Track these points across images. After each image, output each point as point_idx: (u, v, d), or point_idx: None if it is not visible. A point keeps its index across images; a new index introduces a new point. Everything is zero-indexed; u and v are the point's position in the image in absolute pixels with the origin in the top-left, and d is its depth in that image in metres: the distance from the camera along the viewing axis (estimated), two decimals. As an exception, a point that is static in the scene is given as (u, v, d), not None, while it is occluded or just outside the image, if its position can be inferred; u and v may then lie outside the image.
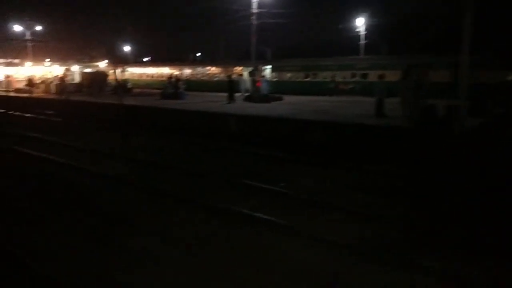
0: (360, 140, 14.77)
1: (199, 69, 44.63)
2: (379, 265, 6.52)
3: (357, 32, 47.97)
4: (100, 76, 40.24)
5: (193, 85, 39.58)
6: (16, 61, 53.77)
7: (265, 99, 25.77)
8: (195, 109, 22.31)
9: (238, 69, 40.69)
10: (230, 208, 8.83)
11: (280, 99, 26.82)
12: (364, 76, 32.55)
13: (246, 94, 34.37)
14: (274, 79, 37.04)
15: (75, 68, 46.06)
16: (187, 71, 45.42)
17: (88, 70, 43.24)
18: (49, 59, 51.33)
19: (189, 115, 21.46)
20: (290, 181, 11.22)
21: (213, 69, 43.23)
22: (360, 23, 47.48)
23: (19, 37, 51.58)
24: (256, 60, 41.86)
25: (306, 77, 35.71)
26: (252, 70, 28.80)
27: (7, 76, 48.33)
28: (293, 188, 10.45)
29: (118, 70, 48.65)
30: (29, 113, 26.99)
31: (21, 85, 43.86)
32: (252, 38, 28.09)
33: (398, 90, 21.17)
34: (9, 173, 12.51)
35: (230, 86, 28.45)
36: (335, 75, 33.90)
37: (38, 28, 52.61)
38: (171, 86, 30.32)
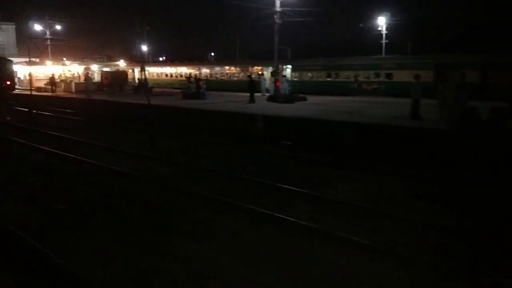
0: (399, 143, 14.29)
1: (218, 69, 44.38)
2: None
3: (378, 31, 47.25)
4: (121, 75, 40.21)
5: (211, 84, 39.33)
6: (36, 60, 54.08)
7: (289, 99, 25.36)
8: (220, 109, 22.00)
9: (258, 68, 40.44)
10: (278, 215, 8.45)
11: (304, 99, 26.39)
12: (389, 76, 31.91)
13: (267, 94, 34.09)
14: (295, 79, 36.62)
15: (94, 67, 46.13)
16: (205, 71, 45.25)
17: (107, 69, 43.24)
18: (65, 58, 51.54)
19: (215, 116, 21.16)
20: (334, 186, 10.81)
21: (232, 69, 42.93)
22: (382, 22, 46.77)
23: (39, 36, 51.75)
24: (277, 60, 41.64)
25: (328, 77, 35.16)
26: (275, 70, 28.35)
27: (28, 75, 48.67)
28: (339, 193, 10.05)
29: (137, 70, 48.80)
30: (52, 112, 26.97)
31: (41, 84, 44.12)
32: (274, 37, 27.57)
33: (431, 91, 20.88)
34: (55, 175, 12.29)
35: (251, 86, 28.14)
36: (358, 74, 33.33)
37: (58, 27, 52.78)
38: (192, 86, 30.04)
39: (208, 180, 11.47)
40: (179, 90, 36.11)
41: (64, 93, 38.72)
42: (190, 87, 29.90)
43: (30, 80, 33.91)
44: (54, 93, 36.63)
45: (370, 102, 26.42)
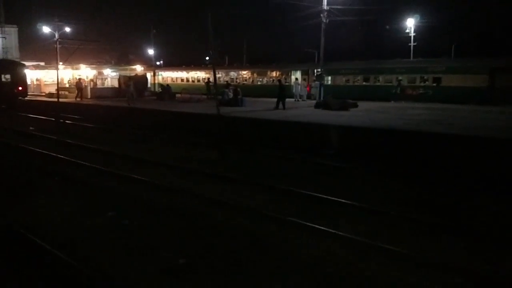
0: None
1: (243, 73, 42.01)
2: None
3: (406, 33, 45.12)
4: (141, 80, 37.65)
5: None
6: (42, 63, 51.44)
7: (344, 105, 22.97)
8: (273, 118, 19.52)
9: (277, 73, 38.18)
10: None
11: (355, 105, 24.02)
12: (437, 80, 29.70)
13: (300, 100, 31.77)
14: (326, 83, 34.32)
15: (107, 72, 43.55)
16: (221, 75, 42.90)
17: (119, 73, 40.69)
18: (63, 62, 48.69)
19: (268, 125, 18.69)
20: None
21: (255, 73, 40.59)
22: (410, 23, 44.63)
23: (48, 39, 49.16)
24: (303, 63, 39.34)
25: (366, 81, 32.88)
26: (320, 74, 26.00)
27: (36, 80, 46.01)
28: None
29: (149, 74, 46.24)
30: (82, 122, 24.33)
31: (52, 89, 41.45)
32: (321, 37, 25.34)
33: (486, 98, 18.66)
34: (142, 209, 9.77)
35: (281, 91, 25.87)
36: (401, 78, 31.09)
37: (67, 29, 50.13)
38: (227, 92, 27.60)
39: (299, 205, 9.08)
40: (204, 96, 33.77)
41: (79, 99, 36.10)
42: (226, 93, 27.43)
43: (58, 85, 31.13)
44: (79, 100, 33.79)
45: (428, 108, 24.09)
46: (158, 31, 69.73)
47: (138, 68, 41.59)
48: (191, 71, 47.10)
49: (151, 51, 75.47)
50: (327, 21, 24.85)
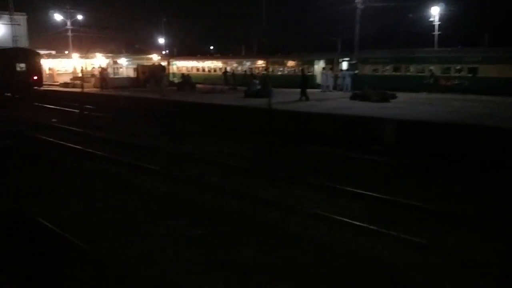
0: None
1: (259, 63, 40.61)
2: None
3: (430, 21, 43.50)
4: (159, 69, 36.33)
5: (243, 79, 35.82)
6: (53, 52, 50.21)
7: (384, 97, 21.65)
8: (311, 111, 18.23)
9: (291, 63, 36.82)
10: None
11: (394, 96, 22.66)
12: (473, 70, 28.24)
13: (327, 91, 30.42)
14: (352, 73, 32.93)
15: (123, 61, 42.25)
16: (234, 65, 41.60)
17: (136, 63, 39.40)
18: (75, 51, 47.23)
19: (310, 118, 17.39)
20: None
21: (277, 62, 39.17)
22: (435, 12, 43.00)
23: (59, 27, 47.91)
24: (327, 52, 37.88)
25: (396, 71, 31.41)
26: (355, 63, 24.60)
27: (49, 69, 44.75)
28: None
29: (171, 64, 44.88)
30: (106, 113, 23.07)
31: (66, 79, 40.25)
32: (355, 24, 23.94)
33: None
34: (208, 216, 8.59)
35: (304, 81, 24.59)
36: (434, 68, 29.63)
37: (79, 17, 48.80)
38: (255, 84, 26.27)
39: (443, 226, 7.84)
40: (225, 87, 32.50)
41: (95, 89, 34.90)
42: (254, 84, 26.11)
43: (84, 74, 29.87)
44: (102, 90, 32.48)
45: (470, 100, 22.67)
46: (169, 20, 68.40)
47: (155, 58, 40.29)
48: (208, 60, 45.69)
49: (161, 40, 74.42)
50: (363, 6, 23.43)
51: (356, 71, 29.28)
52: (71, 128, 18.59)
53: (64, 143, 14.92)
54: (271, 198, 9.00)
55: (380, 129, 15.04)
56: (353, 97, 23.03)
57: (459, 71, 28.95)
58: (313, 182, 10.25)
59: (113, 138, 16.22)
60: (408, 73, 31.03)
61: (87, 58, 39.55)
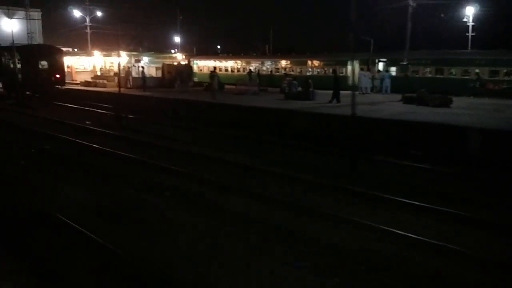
0: None
1: (282, 63, 39.09)
2: None
3: (463, 22, 41.84)
4: (185, 69, 34.92)
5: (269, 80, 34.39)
6: (69, 49, 48.78)
7: (444, 101, 20.05)
8: (373, 116, 16.61)
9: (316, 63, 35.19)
10: None
11: (451, 101, 20.96)
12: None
13: (367, 92, 28.88)
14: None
15: (145, 60, 40.88)
16: (259, 65, 40.06)
17: (162, 62, 37.96)
18: (89, 48, 45.61)
19: (375, 125, 15.78)
20: None
21: (307, 63, 37.60)
22: (469, 12, 41.33)
23: (78, 23, 46.53)
24: (361, 52, 36.23)
25: (439, 73, 29.77)
26: (406, 64, 23.01)
27: (67, 67, 43.34)
28: None
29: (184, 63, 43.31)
30: (144, 116, 21.53)
31: (86, 77, 38.84)
32: (407, 23, 22.35)
33: None
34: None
35: (337, 83, 23.03)
36: (480, 72, 28.01)
37: (99, 13, 47.38)
38: (295, 85, 24.74)
39: None
40: (256, 88, 30.84)
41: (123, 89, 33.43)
42: (294, 85, 24.59)
43: (105, 73, 28.46)
44: (145, 91, 30.70)
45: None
46: (184, 17, 66.96)
47: (179, 57, 38.85)
48: (231, 60, 44.15)
49: (177, 39, 72.93)
50: (415, 4, 21.86)
51: (408, 74, 27.56)
52: (110, 132, 17.13)
53: (111, 150, 13.45)
54: (381, 225, 7.53)
55: (464, 139, 13.47)
56: (407, 101, 21.45)
57: (508, 74, 27.33)
58: (414, 202, 8.75)
59: (162, 144, 14.75)
60: (451, 76, 29.43)
61: (110, 56, 38.08)
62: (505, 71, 27.45)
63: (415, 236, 7.09)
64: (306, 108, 18.91)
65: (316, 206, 8.62)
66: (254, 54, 45.80)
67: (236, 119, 19.37)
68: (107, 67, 41.62)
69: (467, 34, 41.58)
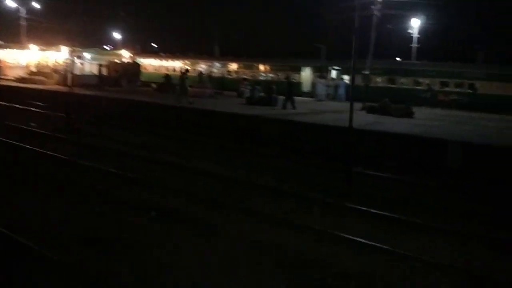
0: None
1: (233, 66, 38.21)
2: None
3: (409, 33, 43.12)
4: (133, 68, 32.96)
5: (220, 83, 33.46)
6: (0, 42, 44.71)
7: (407, 112, 20.15)
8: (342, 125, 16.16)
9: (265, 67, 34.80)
10: None
11: (411, 112, 21.13)
12: (473, 87, 27.71)
13: (320, 100, 28.76)
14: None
15: (87, 56, 38.18)
16: (209, 66, 39.03)
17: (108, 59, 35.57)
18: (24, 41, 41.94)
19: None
20: None
21: (259, 67, 36.93)
22: (415, 24, 42.65)
23: (11, 14, 42.68)
24: (315, 59, 36.20)
25: (391, 83, 30.26)
26: (368, 74, 23.00)
27: (-1, 62, 39.64)
28: None
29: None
30: (92, 116, 19.63)
31: (20, 73, 35.56)
32: (371, 33, 22.28)
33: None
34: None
35: (290, 89, 22.73)
36: (431, 83, 28.83)
37: (35, 5, 43.77)
38: (257, 90, 23.93)
39: None
40: (212, 91, 29.69)
41: (58, 86, 30.91)
42: (257, 90, 23.76)
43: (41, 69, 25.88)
44: (71, 89, 28.16)
45: (484, 118, 21.76)
46: (126, 14, 63.91)
47: (125, 54, 36.70)
48: (179, 60, 42.46)
49: (117, 35, 69.64)
50: (380, 14, 21.90)
51: (369, 83, 27.64)
52: (63, 136, 15.36)
53: (71, 158, 11.88)
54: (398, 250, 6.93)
55: (443, 152, 13.32)
56: (370, 111, 21.33)
57: (459, 86, 28.33)
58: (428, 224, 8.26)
59: (123, 151, 13.35)
60: (403, 86, 30.04)
61: (49, 50, 35.19)
62: (454, 82, 28.45)
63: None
64: (276, 115, 18.15)
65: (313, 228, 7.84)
66: (205, 55, 44.36)
67: (205, 124, 18.17)
68: (45, 63, 38.45)
69: (411, 45, 42.92)
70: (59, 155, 12.18)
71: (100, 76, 29.87)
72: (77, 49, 34.94)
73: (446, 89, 28.51)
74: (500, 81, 26.58)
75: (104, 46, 59.20)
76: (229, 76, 37.73)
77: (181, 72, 24.11)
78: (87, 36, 60.66)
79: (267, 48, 50.83)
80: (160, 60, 43.44)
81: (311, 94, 32.25)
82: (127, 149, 13.87)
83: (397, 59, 42.45)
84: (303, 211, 8.96)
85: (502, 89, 26.44)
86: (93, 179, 10.33)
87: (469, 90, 27.80)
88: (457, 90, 28.24)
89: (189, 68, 31.96)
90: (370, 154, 13.51)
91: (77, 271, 5.78)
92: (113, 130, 17.67)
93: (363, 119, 18.69)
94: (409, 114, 20.03)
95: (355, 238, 7.35)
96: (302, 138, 15.61)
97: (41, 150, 12.67)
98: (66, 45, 35.63)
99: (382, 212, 8.78)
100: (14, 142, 13.61)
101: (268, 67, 36.41)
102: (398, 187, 11.36)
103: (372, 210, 8.87)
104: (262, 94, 23.59)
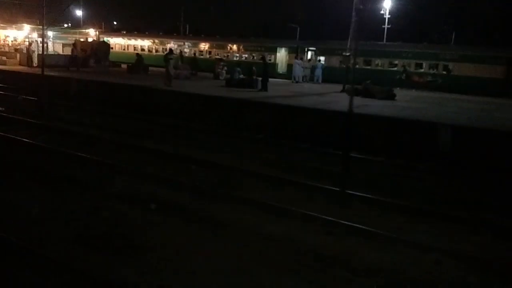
0: None
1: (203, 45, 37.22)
2: None
3: (381, 15, 43.30)
4: (102, 47, 31.46)
5: (192, 63, 32.65)
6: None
7: (390, 94, 20.09)
8: (332, 108, 15.89)
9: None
10: None
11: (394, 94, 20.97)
12: (447, 68, 28.02)
13: (298, 81, 28.45)
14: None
15: (50, 35, 36.28)
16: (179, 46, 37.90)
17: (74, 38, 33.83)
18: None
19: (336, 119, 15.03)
20: None
21: (233, 47, 36.10)
22: (387, 5, 42.84)
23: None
24: (290, 39, 35.67)
25: (367, 65, 30.23)
26: (348, 55, 22.73)
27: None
28: None
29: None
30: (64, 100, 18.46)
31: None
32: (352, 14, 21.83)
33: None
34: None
35: (265, 70, 22.33)
36: (406, 64, 28.99)
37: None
38: (238, 71, 23.25)
39: None
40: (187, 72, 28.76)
41: (21, 67, 29.20)
42: (237, 72, 23.08)
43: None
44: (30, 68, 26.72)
45: (459, 99, 22.03)
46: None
47: (91, 33, 35.06)
48: (148, 39, 41.03)
49: (79, 12, 66.55)
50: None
51: (350, 65, 27.32)
52: (36, 121, 14.38)
53: (55, 147, 11.06)
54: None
55: (433, 136, 13.25)
56: (350, 93, 21.05)
57: (433, 68, 28.59)
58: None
59: (105, 137, 12.59)
60: (378, 68, 30.08)
61: (5, 29, 33.13)
62: (429, 64, 28.68)
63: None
64: (261, 98, 17.64)
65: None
66: (174, 34, 43.09)
67: (188, 109, 17.44)
68: (5, 42, 36.31)
69: (383, 26, 43.12)
70: (38, 143, 11.33)
71: (73, 57, 28.17)
72: (40, 27, 32.98)
73: (423, 71, 28.74)
74: (472, 63, 26.95)
75: (65, 25, 56.54)
76: (202, 56, 36.77)
77: (165, 53, 23.13)
78: (45, 13, 57.68)
79: (239, 27, 49.85)
80: (128, 39, 41.88)
81: (286, 75, 31.93)
82: (110, 136, 13.09)
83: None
84: (306, 200, 8.61)
85: (474, 71, 26.85)
86: (79, 169, 9.62)
87: (443, 72, 28.10)
88: (432, 71, 28.50)
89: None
90: (366, 139, 13.21)
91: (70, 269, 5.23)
92: (91, 115, 16.73)
93: (347, 102, 18.47)
94: (392, 97, 19.99)
95: (372, 230, 7.06)
96: (294, 122, 15.20)
97: (18, 138, 11.75)
98: (26, 23, 33.68)
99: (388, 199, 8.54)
100: None
101: (242, 47, 35.68)
102: (397, 172, 11.20)
103: (379, 198, 8.62)
104: (241, 76, 22.95)
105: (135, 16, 60.53)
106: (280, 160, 11.60)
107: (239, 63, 28.41)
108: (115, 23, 72.82)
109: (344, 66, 22.91)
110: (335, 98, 19.51)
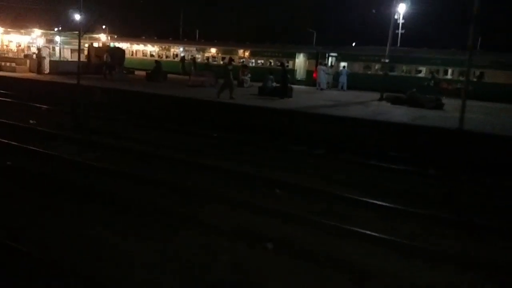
0: None
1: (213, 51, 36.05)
2: None
3: (395, 19, 42.28)
4: (117, 53, 30.11)
5: (206, 69, 31.53)
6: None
7: (439, 103, 19.13)
8: (387, 120, 14.85)
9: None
10: None
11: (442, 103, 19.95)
12: (479, 75, 27.18)
13: (322, 88, 27.46)
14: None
15: (58, 40, 34.94)
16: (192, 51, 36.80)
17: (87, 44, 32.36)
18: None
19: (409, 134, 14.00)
20: None
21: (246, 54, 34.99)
22: (401, 9, 41.82)
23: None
24: (313, 46, 34.67)
25: (391, 70, 29.26)
26: (387, 62, 21.72)
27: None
28: None
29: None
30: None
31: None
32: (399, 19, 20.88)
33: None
34: None
35: (284, 76, 21.35)
36: (434, 71, 28.12)
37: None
38: (270, 80, 22.08)
39: None
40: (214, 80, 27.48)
41: (32, 74, 27.82)
42: (270, 79, 21.93)
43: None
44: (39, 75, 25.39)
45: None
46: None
47: (103, 38, 33.70)
48: (158, 44, 39.70)
49: (77, 17, 64.78)
50: None
51: (387, 72, 26.35)
52: (73, 135, 13.09)
53: (125, 170, 9.78)
54: None
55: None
56: (394, 102, 20.13)
57: (462, 74, 27.73)
58: None
59: (163, 154, 11.33)
60: (404, 74, 29.20)
61: (23, 34, 31.71)
62: (459, 70, 27.82)
63: None
64: (301, 108, 16.55)
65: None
66: (185, 40, 41.84)
67: (233, 121, 16.25)
68: (11, 47, 34.80)
69: (396, 31, 42.18)
70: (85, 161, 10.06)
71: (105, 63, 26.88)
72: (51, 32, 31.69)
73: (452, 78, 27.90)
74: (504, 70, 26.17)
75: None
76: (215, 63, 35.53)
77: (224, 63, 22.15)
78: (50, 19, 56.21)
79: (252, 32, 48.74)
80: (138, 44, 40.53)
81: (305, 82, 31.02)
82: (167, 152, 11.85)
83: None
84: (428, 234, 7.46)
85: (506, 78, 26.06)
86: (154, 194, 8.38)
87: (474, 79, 27.22)
88: (461, 78, 27.60)
89: (233, 57, 28.80)
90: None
91: None
92: (133, 128, 15.46)
93: (399, 112, 17.47)
94: (440, 106, 19.01)
95: None
96: (359, 135, 14.04)
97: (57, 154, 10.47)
98: (36, 28, 32.25)
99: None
100: (23, 145, 11.22)
101: (259, 53, 34.57)
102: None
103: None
104: (274, 84, 21.79)
105: (139, 22, 59.04)
106: (376, 182, 10.33)
107: (270, 71, 27.20)
108: (104, 26, 71.50)
109: (382, 73, 21.90)
110: (381, 108, 18.50)
